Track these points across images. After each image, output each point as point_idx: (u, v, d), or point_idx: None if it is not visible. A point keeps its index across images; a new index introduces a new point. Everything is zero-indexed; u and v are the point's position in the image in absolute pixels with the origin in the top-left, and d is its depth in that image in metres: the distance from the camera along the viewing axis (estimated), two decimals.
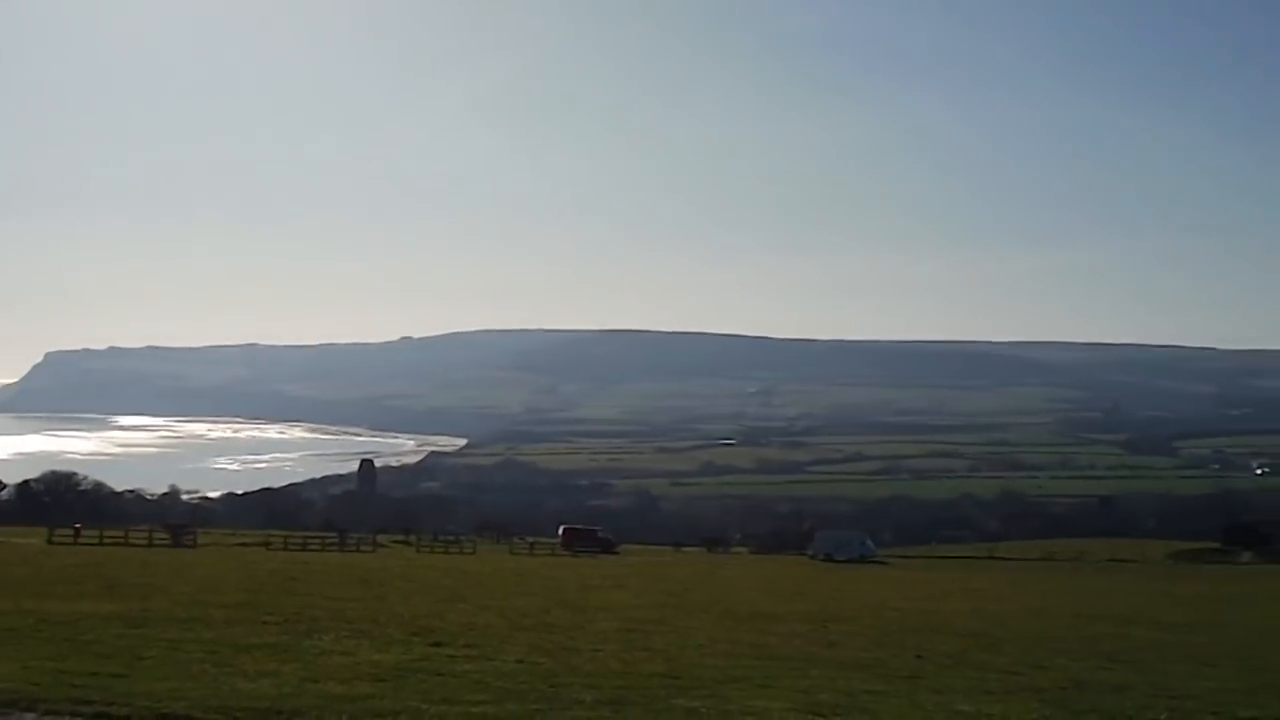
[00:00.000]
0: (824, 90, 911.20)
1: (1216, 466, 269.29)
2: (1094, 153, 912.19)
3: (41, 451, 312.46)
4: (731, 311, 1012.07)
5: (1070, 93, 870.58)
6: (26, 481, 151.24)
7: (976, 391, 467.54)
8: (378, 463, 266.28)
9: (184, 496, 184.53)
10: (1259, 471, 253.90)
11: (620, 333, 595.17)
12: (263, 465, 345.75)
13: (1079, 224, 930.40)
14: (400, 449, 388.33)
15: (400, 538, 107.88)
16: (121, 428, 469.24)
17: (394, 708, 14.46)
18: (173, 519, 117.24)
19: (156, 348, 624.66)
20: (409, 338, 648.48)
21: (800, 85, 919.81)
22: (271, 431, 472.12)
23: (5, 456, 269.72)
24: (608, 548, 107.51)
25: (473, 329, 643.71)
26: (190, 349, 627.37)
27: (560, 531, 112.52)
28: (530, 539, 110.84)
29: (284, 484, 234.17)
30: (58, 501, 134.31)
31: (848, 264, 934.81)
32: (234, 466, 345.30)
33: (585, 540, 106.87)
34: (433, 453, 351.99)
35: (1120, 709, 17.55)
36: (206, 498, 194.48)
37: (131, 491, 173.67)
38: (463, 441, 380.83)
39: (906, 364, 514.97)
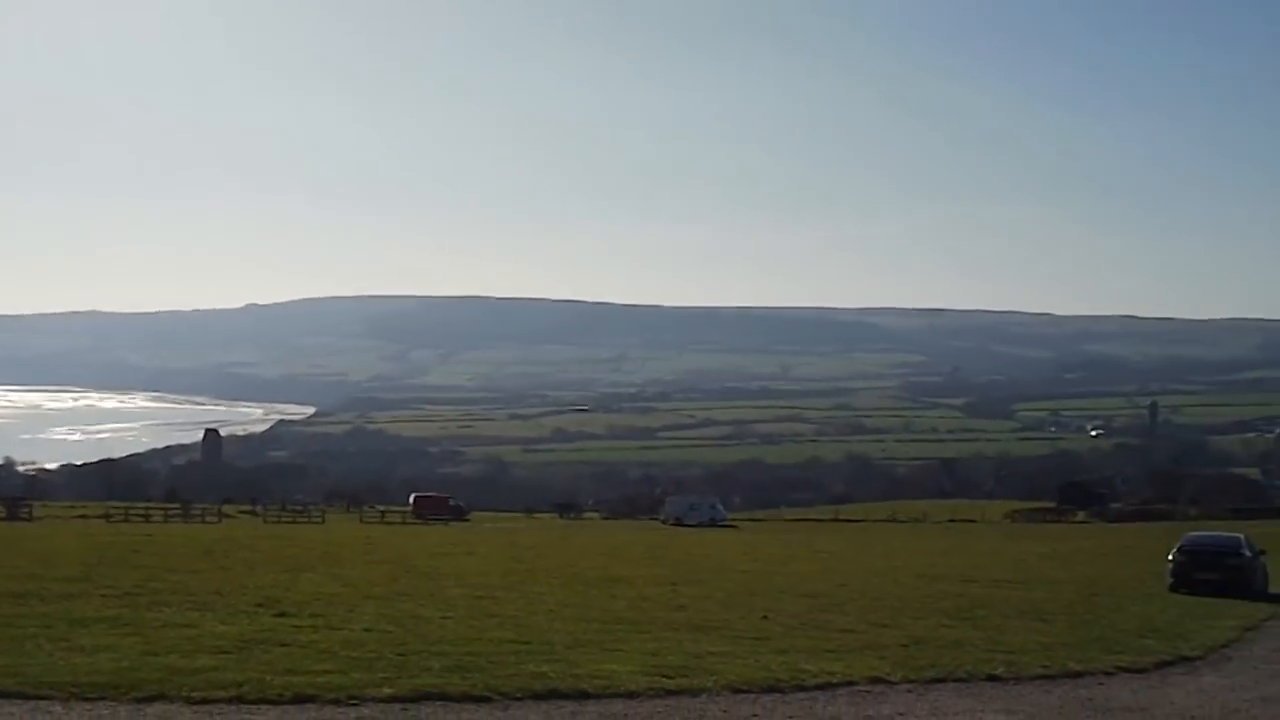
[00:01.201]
0: (666, 57, 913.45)
1: (1053, 429, 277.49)
2: (932, 121, 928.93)
3: None
4: (581, 278, 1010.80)
5: (899, 60, 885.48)
6: None
7: (822, 357, 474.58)
8: (223, 432, 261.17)
9: (20, 468, 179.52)
10: (1093, 433, 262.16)
11: (470, 299, 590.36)
12: (104, 435, 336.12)
13: (921, 192, 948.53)
14: (247, 418, 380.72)
15: (247, 508, 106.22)
16: None
17: (237, 679, 14.32)
18: (7, 492, 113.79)
19: None
20: (255, 304, 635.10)
21: (639, 52, 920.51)
22: (113, 401, 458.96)
23: None
24: (459, 515, 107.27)
25: (320, 295, 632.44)
26: (25, 315, 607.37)
27: (411, 500, 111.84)
28: (381, 507, 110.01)
29: (126, 454, 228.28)
30: None
31: (696, 231, 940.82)
32: (74, 437, 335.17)
33: (436, 508, 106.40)
34: (281, 421, 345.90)
35: (958, 664, 18.10)
36: (44, 469, 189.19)
37: None
38: (311, 410, 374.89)
39: (754, 330, 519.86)
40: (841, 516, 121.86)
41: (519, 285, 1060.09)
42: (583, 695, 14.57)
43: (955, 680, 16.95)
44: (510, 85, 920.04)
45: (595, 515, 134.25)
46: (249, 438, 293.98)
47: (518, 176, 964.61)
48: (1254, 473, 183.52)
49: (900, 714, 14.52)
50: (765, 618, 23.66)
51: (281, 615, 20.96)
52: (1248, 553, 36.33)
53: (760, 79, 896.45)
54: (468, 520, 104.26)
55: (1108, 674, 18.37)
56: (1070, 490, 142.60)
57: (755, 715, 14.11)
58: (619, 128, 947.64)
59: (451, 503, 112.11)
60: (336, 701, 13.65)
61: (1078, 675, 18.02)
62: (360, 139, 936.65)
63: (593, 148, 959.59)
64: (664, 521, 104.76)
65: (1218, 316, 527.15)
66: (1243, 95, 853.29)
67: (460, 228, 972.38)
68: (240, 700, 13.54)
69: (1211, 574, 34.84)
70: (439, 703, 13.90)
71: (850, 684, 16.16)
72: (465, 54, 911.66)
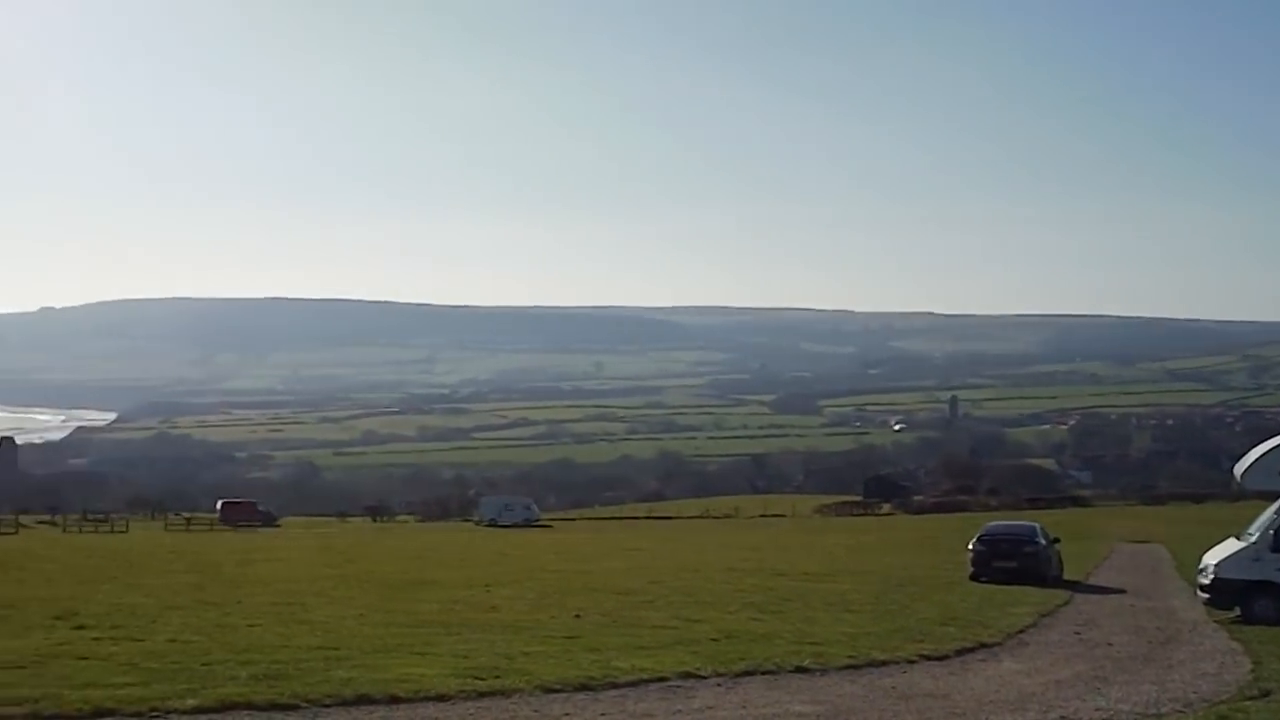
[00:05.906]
0: (449, 54, 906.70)
1: (858, 424, 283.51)
2: (719, 120, 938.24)
3: None
4: (388, 278, 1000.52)
5: (668, 61, 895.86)
6: None
7: (632, 356, 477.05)
8: (19, 440, 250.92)
9: None
10: (896, 428, 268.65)
11: (273, 300, 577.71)
12: None
13: (715, 190, 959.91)
14: (44, 425, 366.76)
15: (45, 518, 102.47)
16: None
17: (33, 695, 13.80)
18: None
19: None
20: (50, 308, 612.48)
21: (417, 48, 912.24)
22: None
23: None
24: (268, 520, 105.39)
25: (116, 298, 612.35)
26: None
27: (218, 506, 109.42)
28: (187, 514, 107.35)
29: None
30: None
31: (502, 230, 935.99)
32: None
33: (245, 514, 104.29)
34: (80, 428, 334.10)
35: (767, 656, 18.40)
36: None
37: None
38: (112, 415, 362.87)
39: (564, 330, 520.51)
40: (654, 514, 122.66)
41: (320, 285, 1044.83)
42: (392, 700, 14.44)
43: (764, 673, 17.23)
44: (299, 80, 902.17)
45: (408, 518, 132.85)
46: (45, 445, 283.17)
47: (310, 175, 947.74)
48: (1049, 463, 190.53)
49: (710, 708, 14.71)
50: (578, 616, 23.76)
51: (80, 628, 20.31)
52: (1042, 541, 37.71)
53: (554, 76, 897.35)
54: (278, 526, 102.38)
55: (910, 662, 18.89)
56: (875, 483, 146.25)
57: (567, 714, 14.15)
58: (411, 122, 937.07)
59: (260, 508, 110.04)
60: (138, 714, 13.28)
61: (882, 664, 18.49)
62: (149, 137, 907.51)
63: (385, 143, 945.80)
64: (478, 523, 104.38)
65: (1008, 312, 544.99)
66: (1020, 93, 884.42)
67: (257, 229, 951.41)
68: (36, 716, 13.05)
69: (1009, 562, 36.07)
70: (245, 712, 13.63)
71: (661, 679, 16.31)
72: (233, 43, 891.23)
